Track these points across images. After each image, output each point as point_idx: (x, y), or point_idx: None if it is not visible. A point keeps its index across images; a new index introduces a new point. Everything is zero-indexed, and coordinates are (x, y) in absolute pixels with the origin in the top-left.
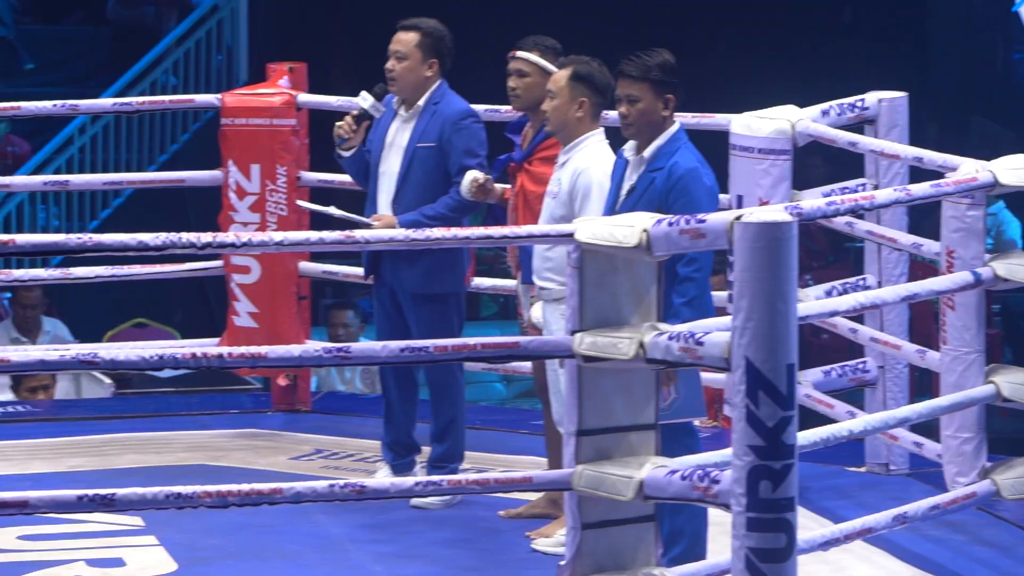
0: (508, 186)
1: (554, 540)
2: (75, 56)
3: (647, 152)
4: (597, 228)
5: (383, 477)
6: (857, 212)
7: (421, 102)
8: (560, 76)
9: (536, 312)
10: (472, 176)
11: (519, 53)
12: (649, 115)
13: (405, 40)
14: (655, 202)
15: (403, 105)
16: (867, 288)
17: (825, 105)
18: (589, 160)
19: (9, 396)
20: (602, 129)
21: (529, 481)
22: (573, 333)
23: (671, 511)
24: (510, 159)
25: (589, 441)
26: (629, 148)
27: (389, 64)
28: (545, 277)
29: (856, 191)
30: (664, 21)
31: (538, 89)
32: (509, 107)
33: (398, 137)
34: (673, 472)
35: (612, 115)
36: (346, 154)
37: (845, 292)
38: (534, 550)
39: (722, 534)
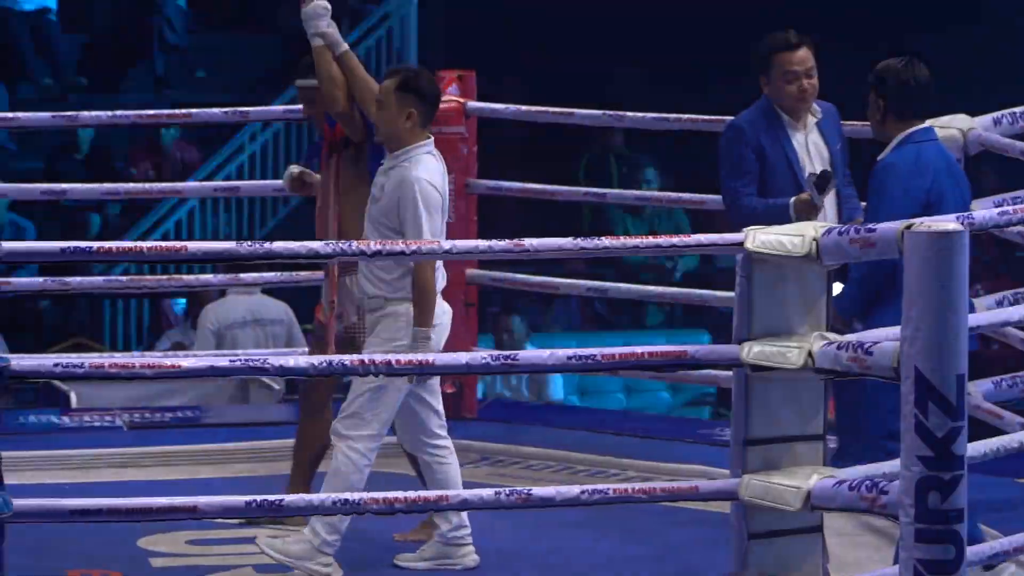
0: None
1: (416, 555)
2: (246, 64)
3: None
4: (766, 236)
5: None
6: None
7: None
8: (387, 86)
9: None
10: (288, 171)
11: (297, 83)
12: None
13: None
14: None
15: None
16: None
17: (997, 114)
18: (415, 171)
19: None
20: (431, 138)
21: (695, 490)
22: (740, 342)
23: None
24: (319, 145)
25: (756, 451)
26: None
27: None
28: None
29: None
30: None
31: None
32: None
33: None
34: (841, 483)
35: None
36: None
37: (1016, 302)
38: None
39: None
